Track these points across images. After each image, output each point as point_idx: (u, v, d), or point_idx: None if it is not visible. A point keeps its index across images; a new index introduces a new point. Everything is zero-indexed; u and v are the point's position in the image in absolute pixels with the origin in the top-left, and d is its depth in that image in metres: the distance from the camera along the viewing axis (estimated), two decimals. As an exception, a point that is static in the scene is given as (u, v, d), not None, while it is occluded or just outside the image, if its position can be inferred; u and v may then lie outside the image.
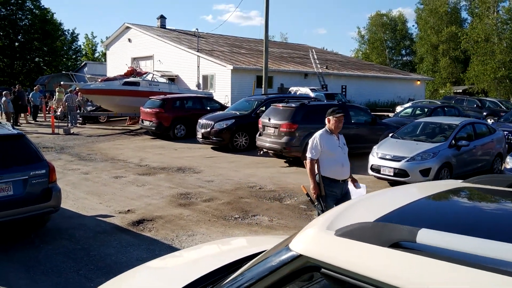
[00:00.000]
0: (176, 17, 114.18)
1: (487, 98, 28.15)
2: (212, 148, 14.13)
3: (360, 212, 1.65)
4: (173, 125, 16.13)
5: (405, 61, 61.00)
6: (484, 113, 23.53)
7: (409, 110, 18.28)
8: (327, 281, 1.51)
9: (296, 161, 11.74)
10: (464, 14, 52.33)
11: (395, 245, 1.28)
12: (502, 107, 25.06)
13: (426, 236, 1.22)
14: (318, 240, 1.49)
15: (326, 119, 5.35)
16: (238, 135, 13.71)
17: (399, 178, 9.07)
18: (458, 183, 2.10)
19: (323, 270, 1.40)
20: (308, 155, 5.32)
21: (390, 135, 10.67)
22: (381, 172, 9.35)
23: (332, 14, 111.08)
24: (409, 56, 60.64)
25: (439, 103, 22.28)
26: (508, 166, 7.99)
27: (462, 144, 9.38)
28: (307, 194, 5.53)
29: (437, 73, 47.43)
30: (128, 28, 32.01)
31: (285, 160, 12.14)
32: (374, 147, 10.04)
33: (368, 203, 1.83)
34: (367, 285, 1.28)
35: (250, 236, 6.17)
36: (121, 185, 9.16)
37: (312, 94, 20.81)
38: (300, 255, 1.48)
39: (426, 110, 17.05)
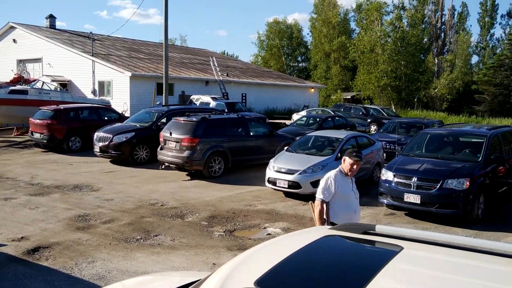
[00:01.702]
0: (68, 13, 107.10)
1: (371, 106, 31.02)
2: (111, 161, 13.79)
3: (246, 271, 2.02)
4: (67, 137, 15.39)
5: (301, 67, 64.37)
6: (368, 120, 25.98)
7: (304, 119, 19.61)
8: None
9: (198, 174, 12.02)
10: (353, 25, 56.77)
11: None
12: (384, 114, 27.92)
13: None
14: None
15: (342, 158, 4.91)
16: (138, 148, 13.57)
17: (293, 189, 9.85)
18: (325, 231, 2.58)
19: None
20: (320, 196, 4.80)
21: (285, 148, 11.44)
22: (277, 185, 10.05)
23: (233, 16, 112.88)
24: (304, 62, 64.07)
25: (331, 112, 24.15)
26: (383, 178, 9.07)
27: (346, 157, 10.43)
28: None
29: (330, 80, 50.89)
30: (12, 27, 29.51)
31: (187, 173, 12.33)
32: (271, 160, 10.71)
33: (251, 261, 2.19)
34: None
35: (152, 257, 6.33)
36: (12, 208, 8.64)
37: (213, 103, 21.25)
38: None
39: (318, 120, 18.48)
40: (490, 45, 59.10)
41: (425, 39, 48.57)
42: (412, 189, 8.51)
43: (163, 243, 6.95)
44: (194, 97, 23.16)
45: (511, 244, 2.31)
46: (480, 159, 8.88)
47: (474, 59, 59.70)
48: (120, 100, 23.68)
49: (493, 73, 44.48)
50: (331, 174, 4.85)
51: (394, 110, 34.58)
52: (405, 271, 2.06)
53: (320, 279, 2.01)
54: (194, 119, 12.29)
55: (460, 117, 36.55)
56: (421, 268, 2.13)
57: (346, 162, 4.80)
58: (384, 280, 1.88)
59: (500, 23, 69.42)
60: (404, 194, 8.54)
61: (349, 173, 4.80)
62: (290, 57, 63.46)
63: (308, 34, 62.67)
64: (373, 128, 24.27)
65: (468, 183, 8.16)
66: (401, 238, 2.45)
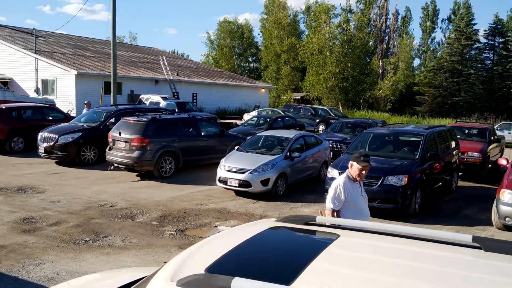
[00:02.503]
0: (8, 7, 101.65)
1: (320, 107, 31.91)
2: (56, 163, 13.37)
3: (197, 260, 2.17)
4: (10, 138, 14.75)
5: (252, 68, 64.92)
6: (317, 120, 26.73)
7: (255, 119, 19.91)
8: None
9: (148, 174, 11.95)
10: (302, 27, 57.96)
11: None
12: (332, 114, 28.82)
13: (238, 284, 1.77)
14: None
15: (349, 163, 4.70)
16: (86, 149, 13.24)
17: (244, 188, 10.07)
18: (271, 223, 2.79)
19: None
20: (330, 206, 4.58)
21: (236, 148, 11.65)
22: (228, 184, 10.22)
23: (183, 14, 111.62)
24: (255, 63, 64.66)
25: (281, 112, 24.64)
26: (329, 175, 9.48)
27: (295, 155, 10.81)
28: None
29: (280, 80, 51.72)
30: None
31: (137, 174, 12.23)
32: (222, 160, 10.87)
33: (202, 251, 2.36)
34: None
35: (102, 258, 6.30)
36: (-51, 212, 8.24)
37: (163, 103, 21.07)
38: None
39: (268, 120, 18.85)
40: (431, 49, 62.43)
41: (371, 42, 50.54)
42: (356, 185, 8.95)
43: (113, 243, 6.92)
44: (143, 97, 22.85)
45: (437, 231, 2.64)
46: (417, 156, 9.50)
47: (416, 62, 62.83)
48: (66, 99, 22.95)
49: (433, 76, 47.12)
50: (340, 181, 4.61)
51: (341, 111, 35.74)
52: (340, 255, 2.31)
53: (264, 264, 2.22)
54: (144, 119, 12.20)
55: (402, 117, 38.37)
56: (354, 252, 2.40)
57: (354, 168, 4.58)
58: (321, 263, 2.11)
59: (440, 27, 73.63)
60: (348, 191, 8.97)
61: (358, 178, 4.61)
62: (241, 57, 63.83)
63: (259, 34, 63.35)
64: (321, 128, 25.00)
65: (406, 179, 8.72)
66: (338, 227, 2.71)
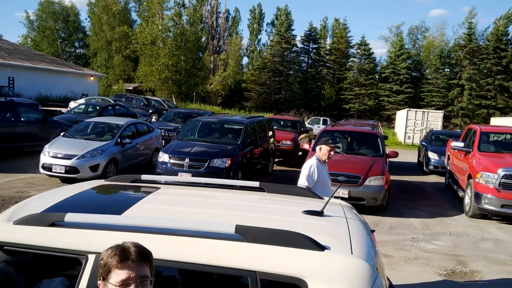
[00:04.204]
0: None
1: (153, 98, 31.93)
2: None
3: (32, 207, 2.44)
4: None
5: (79, 54, 60.58)
6: (150, 111, 26.76)
7: (83, 107, 18.99)
8: (9, 255, 2.25)
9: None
10: (134, 16, 56.39)
11: (53, 225, 2.15)
12: (165, 106, 29.15)
13: (70, 217, 2.14)
14: (0, 229, 2.21)
15: (318, 147, 4.92)
16: None
17: (71, 174, 9.82)
18: (101, 182, 3.19)
19: (5, 247, 2.16)
20: (304, 183, 4.75)
21: (62, 134, 11.19)
22: (53, 170, 9.82)
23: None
24: (82, 49, 60.48)
25: (111, 101, 23.94)
26: (160, 160, 9.98)
27: (126, 142, 10.95)
28: None
29: (111, 69, 49.53)
30: None
31: None
32: (46, 146, 10.35)
33: (35, 202, 2.63)
34: (39, 251, 2.12)
35: None
36: None
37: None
38: None
39: (98, 108, 18.22)
40: (258, 49, 67.60)
41: (203, 38, 52.26)
42: (185, 168, 9.65)
43: None
44: None
45: (235, 180, 3.42)
46: (239, 142, 10.66)
47: (245, 60, 67.29)
48: None
49: (259, 74, 51.27)
50: (313, 162, 4.81)
51: (174, 103, 36.28)
52: (158, 199, 2.89)
53: (96, 206, 2.64)
54: None
55: (232, 111, 40.91)
56: (170, 197, 3.04)
57: (324, 150, 4.83)
58: (144, 204, 2.65)
59: (266, 30, 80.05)
60: (178, 173, 9.60)
61: (327, 160, 4.88)
62: (66, 42, 58.97)
63: (86, 19, 59.15)
64: (154, 118, 25.13)
65: (229, 161, 9.76)
66: (160, 183, 3.26)
